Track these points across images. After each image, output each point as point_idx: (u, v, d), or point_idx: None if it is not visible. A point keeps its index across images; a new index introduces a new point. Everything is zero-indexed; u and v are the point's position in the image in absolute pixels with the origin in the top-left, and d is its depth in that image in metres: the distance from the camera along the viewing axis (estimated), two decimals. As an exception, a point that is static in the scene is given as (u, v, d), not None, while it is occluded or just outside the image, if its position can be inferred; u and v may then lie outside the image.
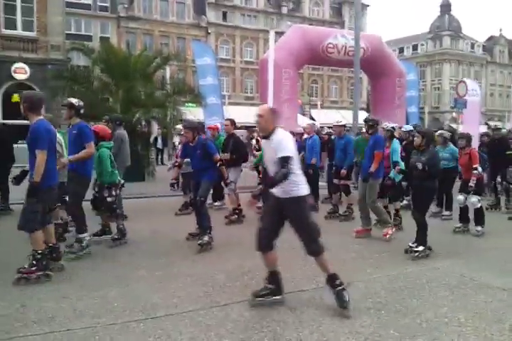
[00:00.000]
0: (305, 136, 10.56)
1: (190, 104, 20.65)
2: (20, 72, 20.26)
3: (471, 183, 7.49)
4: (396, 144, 7.84)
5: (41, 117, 5.04)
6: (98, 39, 35.15)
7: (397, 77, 19.87)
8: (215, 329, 3.78)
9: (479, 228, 7.63)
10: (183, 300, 4.42)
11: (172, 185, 7.20)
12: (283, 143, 4.12)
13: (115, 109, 14.31)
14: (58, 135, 6.19)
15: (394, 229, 7.32)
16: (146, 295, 4.51)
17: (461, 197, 7.76)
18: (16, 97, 20.18)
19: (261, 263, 5.51)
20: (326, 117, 37.81)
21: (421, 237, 6.20)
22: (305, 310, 4.23)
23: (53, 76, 16.05)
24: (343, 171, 8.67)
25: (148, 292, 4.59)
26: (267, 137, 4.30)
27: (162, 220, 8.44)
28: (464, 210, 7.84)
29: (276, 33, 24.02)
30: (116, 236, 6.62)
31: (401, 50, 61.28)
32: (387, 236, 7.14)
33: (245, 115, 30.66)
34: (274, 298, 4.37)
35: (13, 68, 20.10)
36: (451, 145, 8.77)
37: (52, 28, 20.97)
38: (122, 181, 6.71)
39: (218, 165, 6.79)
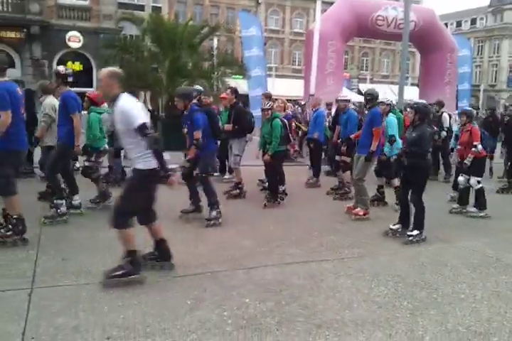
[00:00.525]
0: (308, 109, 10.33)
1: (236, 76, 20.79)
2: (74, 40, 20.95)
3: (467, 161, 7.13)
4: (391, 118, 7.55)
5: (4, 79, 4.90)
6: (150, 8, 35.39)
7: (449, 53, 19.22)
8: (237, 289, 4.06)
9: (473, 209, 7.34)
10: (211, 261, 4.71)
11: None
12: (131, 111, 3.89)
13: (161, 78, 14.64)
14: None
15: (366, 216, 6.87)
16: (178, 255, 4.82)
17: (461, 179, 7.40)
18: (69, 65, 21.00)
19: (287, 232, 5.76)
20: (378, 92, 37.02)
21: (418, 221, 5.83)
22: (325, 278, 4.43)
23: (105, 45, 16.53)
24: (343, 148, 8.15)
25: (180, 253, 4.91)
26: (113, 103, 4.07)
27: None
28: (464, 192, 7.49)
29: (327, 3, 23.61)
30: (98, 200, 6.76)
31: (459, 24, 58.41)
32: (355, 216, 6.82)
33: (291, 88, 30.63)
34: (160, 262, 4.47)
35: (67, 36, 20.79)
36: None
37: (104, -3, 21.42)
38: (107, 148, 6.86)
39: (193, 144, 6.17)
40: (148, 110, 18.49)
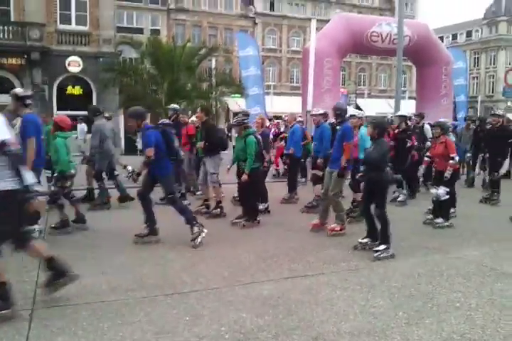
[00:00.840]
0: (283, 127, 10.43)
1: (234, 95, 21.09)
2: (74, 65, 21.30)
3: (447, 174, 7.09)
4: (364, 131, 7.45)
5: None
6: (149, 31, 36.08)
7: (444, 65, 19.48)
8: (235, 305, 4.12)
9: (439, 220, 7.27)
10: (209, 278, 4.79)
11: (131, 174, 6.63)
12: None
13: (160, 100, 14.91)
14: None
15: (343, 231, 6.79)
16: (176, 274, 4.91)
17: (434, 191, 7.33)
18: (70, 89, 21.37)
19: (284, 247, 5.83)
20: (374, 106, 37.44)
21: (383, 235, 5.74)
22: (322, 292, 4.49)
23: (104, 69, 16.87)
24: (320, 161, 7.97)
25: (178, 271, 4.99)
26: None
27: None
28: (436, 203, 7.42)
29: (324, 21, 24.06)
30: (55, 225, 6.66)
31: (454, 37, 59.13)
32: (332, 232, 6.72)
33: (290, 105, 30.93)
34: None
35: (67, 61, 21.16)
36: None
37: (103, 22, 21.86)
38: (73, 172, 6.74)
39: (144, 161, 6.08)
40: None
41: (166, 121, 8.91)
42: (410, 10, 49.52)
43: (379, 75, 48.84)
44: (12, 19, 20.68)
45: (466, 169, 12.19)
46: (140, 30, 36.58)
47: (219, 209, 8.02)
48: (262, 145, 7.76)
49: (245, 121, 7.44)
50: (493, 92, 54.69)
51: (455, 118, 19.61)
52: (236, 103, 30.80)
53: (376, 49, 19.16)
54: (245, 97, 17.63)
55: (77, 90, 21.73)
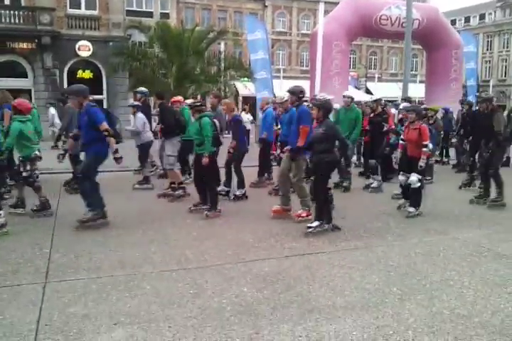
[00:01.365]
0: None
1: (244, 79, 21.13)
2: (84, 49, 21.44)
3: (422, 163, 6.82)
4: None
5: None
6: (158, 15, 35.92)
7: (454, 49, 19.32)
8: (236, 280, 4.34)
9: (412, 209, 6.96)
10: (213, 256, 5.00)
11: (59, 156, 6.80)
12: None
13: (169, 84, 15.03)
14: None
15: (309, 217, 6.52)
16: (181, 251, 5.13)
17: (402, 177, 7.15)
18: (80, 73, 21.55)
19: (286, 227, 6.00)
20: (385, 90, 37.17)
21: (319, 212, 5.89)
22: (320, 268, 4.69)
23: (113, 53, 16.97)
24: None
25: (184, 249, 5.21)
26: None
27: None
28: (405, 189, 7.23)
29: (334, 3, 23.85)
30: (36, 208, 6.72)
31: (467, 20, 58.07)
32: (298, 218, 6.57)
33: (299, 89, 30.86)
34: None
35: (77, 46, 21.30)
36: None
37: (113, 6, 21.91)
38: (38, 154, 6.64)
39: (105, 135, 5.94)
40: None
41: (135, 103, 8.94)
42: (423, -8, 48.75)
43: (390, 59, 48.30)
44: (23, 4, 20.81)
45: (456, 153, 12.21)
46: (150, 14, 36.37)
47: (181, 191, 7.95)
48: (219, 129, 7.37)
49: (198, 103, 7.16)
50: (505, 76, 53.91)
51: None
52: (246, 87, 30.79)
53: (385, 32, 19.06)
54: (253, 81, 17.67)
55: (87, 74, 21.91)
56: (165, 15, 35.77)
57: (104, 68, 21.37)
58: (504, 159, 10.02)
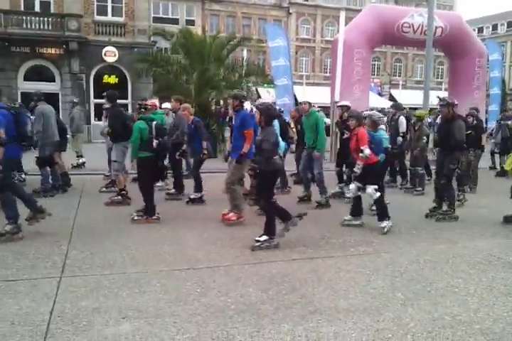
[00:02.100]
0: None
1: (268, 85, 21.31)
2: (110, 55, 22.00)
3: (356, 168, 6.52)
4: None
5: None
6: (184, 22, 36.52)
7: (477, 58, 19.07)
8: (243, 280, 4.46)
9: (384, 224, 6.45)
10: (222, 257, 5.14)
11: None
12: None
13: (191, 89, 15.31)
14: None
15: (240, 219, 6.57)
16: (192, 251, 5.28)
17: (353, 186, 6.75)
18: (106, 78, 22.09)
19: (297, 232, 6.10)
20: (409, 97, 36.85)
21: (268, 226, 5.59)
22: (326, 272, 4.78)
23: (138, 59, 17.37)
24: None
25: (194, 249, 5.36)
26: None
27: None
28: (355, 201, 6.85)
29: (358, 11, 23.92)
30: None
31: (495, 28, 57.28)
32: (229, 221, 6.52)
33: (322, 95, 30.90)
34: None
35: (103, 51, 21.86)
36: (382, 131, 7.48)
37: (138, 13, 22.44)
38: None
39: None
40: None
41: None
42: (448, -1, 48.35)
43: (415, 66, 47.97)
44: (52, 11, 21.47)
45: None
46: (175, 21, 37.04)
47: (120, 197, 7.83)
48: (155, 133, 6.87)
49: (142, 108, 7.08)
50: (533, 85, 52.88)
51: (487, 111, 19.35)
52: (269, 92, 30.97)
53: (408, 40, 18.94)
54: (274, 87, 17.84)
55: (112, 79, 22.46)
56: (190, 22, 36.35)
57: (129, 73, 21.88)
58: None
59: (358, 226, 6.74)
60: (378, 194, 6.50)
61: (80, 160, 11.86)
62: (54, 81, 21.89)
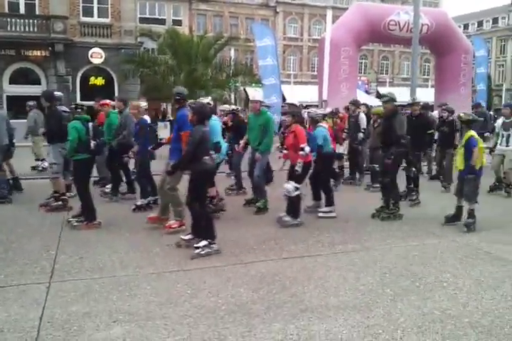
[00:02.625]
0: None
1: (257, 84, 21.31)
2: (96, 56, 21.84)
3: (298, 167, 6.36)
4: (214, 122, 6.81)
5: None
6: (171, 22, 36.39)
7: (463, 54, 19.27)
8: (233, 281, 4.47)
9: (287, 218, 6.49)
10: (212, 258, 5.13)
11: None
12: None
13: (178, 90, 15.26)
14: None
15: (182, 227, 6.17)
16: (182, 253, 5.27)
17: (288, 186, 6.49)
18: (92, 80, 21.97)
19: (286, 231, 6.08)
20: (396, 95, 36.90)
21: (204, 230, 5.33)
22: (316, 270, 4.80)
23: (124, 60, 17.28)
24: None
25: (184, 251, 5.35)
26: None
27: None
28: (290, 202, 6.60)
29: (341, 9, 24.07)
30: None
31: (480, 24, 57.77)
32: (170, 229, 6.13)
33: (310, 94, 30.97)
34: None
35: (90, 53, 21.71)
36: (321, 128, 7.23)
37: (125, 14, 22.31)
38: None
39: None
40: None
41: (30, 103, 8.71)
42: (434, -4, 48.67)
43: (402, 63, 48.23)
44: (37, 12, 21.29)
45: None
46: (162, 21, 36.90)
47: (61, 202, 7.41)
48: (92, 134, 6.83)
49: (78, 108, 6.74)
50: (519, 80, 53.44)
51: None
52: (257, 92, 31.00)
53: (394, 38, 19.08)
54: (262, 87, 17.85)
55: (99, 81, 22.31)
56: (177, 22, 36.24)
57: (115, 75, 21.75)
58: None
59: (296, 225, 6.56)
60: (298, 192, 6.42)
61: (45, 164, 11.22)
62: (40, 83, 21.70)
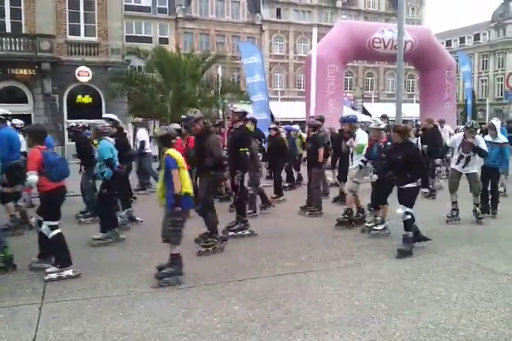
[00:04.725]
0: None
1: (245, 101, 21.47)
2: (84, 74, 21.83)
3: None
4: (103, 141, 6.71)
5: None
6: (157, 40, 36.64)
7: (447, 70, 19.68)
8: (228, 298, 4.45)
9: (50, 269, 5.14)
10: (205, 276, 5.11)
11: None
12: None
13: (167, 108, 15.32)
14: None
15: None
16: (175, 271, 5.23)
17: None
18: (79, 98, 21.94)
19: (278, 247, 6.09)
20: (382, 110, 37.45)
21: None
22: (310, 286, 4.80)
23: (111, 78, 17.31)
24: None
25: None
26: None
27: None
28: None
29: (330, 27, 24.49)
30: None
31: (462, 40, 59.13)
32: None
33: (297, 110, 31.25)
34: None
35: (77, 71, 21.71)
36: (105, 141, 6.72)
37: (112, 33, 22.39)
38: None
39: None
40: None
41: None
42: (416, 14, 49.79)
43: (387, 79, 49.04)
44: (23, 31, 21.30)
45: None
46: (149, 39, 37.16)
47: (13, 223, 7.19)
48: None
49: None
50: (501, 95, 54.43)
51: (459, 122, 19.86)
52: (244, 108, 31.18)
53: (379, 55, 19.47)
54: (251, 104, 17.99)
55: (86, 99, 22.25)
56: (164, 41, 36.51)
57: (103, 93, 21.73)
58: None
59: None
60: (55, 232, 5.15)
61: None
62: (26, 102, 21.61)
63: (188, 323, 3.91)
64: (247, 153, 6.94)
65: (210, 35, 41.88)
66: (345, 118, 8.24)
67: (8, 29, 21.25)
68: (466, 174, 7.88)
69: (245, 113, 7.39)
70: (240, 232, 6.98)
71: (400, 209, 6.05)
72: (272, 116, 19.04)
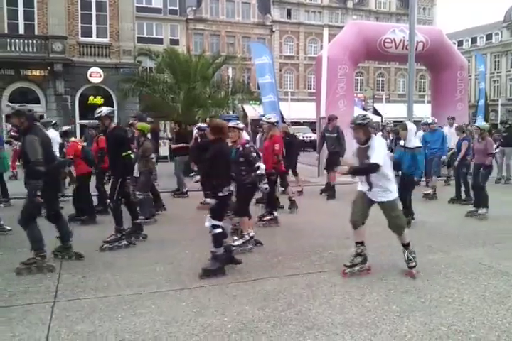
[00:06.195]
0: None
1: (255, 102, 21.52)
2: (95, 76, 22.04)
3: None
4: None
5: None
6: (168, 41, 36.83)
7: (459, 70, 19.49)
8: (239, 298, 4.46)
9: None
10: (216, 276, 5.11)
11: None
12: None
13: (177, 108, 15.38)
14: None
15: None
16: (185, 271, 5.25)
17: None
18: (91, 99, 22.12)
19: (289, 247, 6.09)
20: (393, 111, 37.36)
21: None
22: (321, 287, 4.79)
23: (123, 79, 17.43)
24: None
25: (188, 269, 5.33)
26: None
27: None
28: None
29: (340, 28, 24.45)
30: None
31: (474, 40, 58.63)
32: None
33: (307, 111, 31.25)
34: None
35: (89, 72, 21.92)
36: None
37: (123, 34, 22.57)
38: None
39: None
40: (169, 139, 19.29)
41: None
42: (428, 14, 49.57)
43: (398, 80, 48.85)
44: (36, 33, 21.54)
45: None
46: (160, 40, 37.38)
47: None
48: None
49: None
50: (514, 95, 54.03)
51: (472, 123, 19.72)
52: (254, 109, 31.29)
53: (390, 55, 19.32)
54: (261, 104, 18.00)
55: (98, 100, 22.44)
56: (175, 42, 36.69)
57: (114, 94, 21.90)
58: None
59: None
60: None
61: None
62: (39, 103, 21.84)
63: (199, 323, 3.92)
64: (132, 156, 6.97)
65: (220, 36, 42.02)
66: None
67: (21, 31, 21.50)
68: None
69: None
70: (116, 244, 6.28)
71: (207, 222, 5.22)
72: (282, 116, 19.01)
